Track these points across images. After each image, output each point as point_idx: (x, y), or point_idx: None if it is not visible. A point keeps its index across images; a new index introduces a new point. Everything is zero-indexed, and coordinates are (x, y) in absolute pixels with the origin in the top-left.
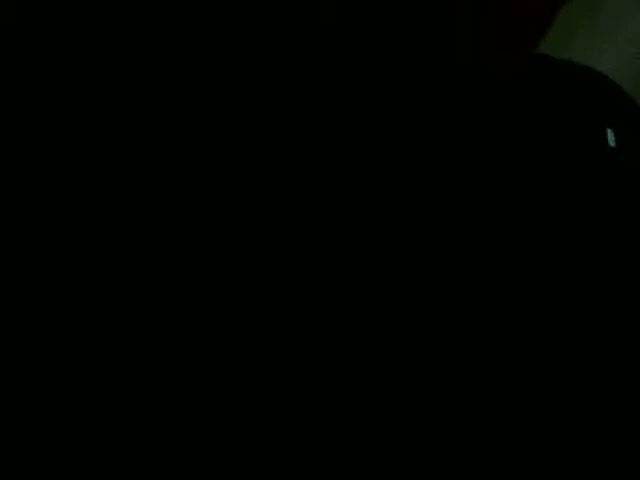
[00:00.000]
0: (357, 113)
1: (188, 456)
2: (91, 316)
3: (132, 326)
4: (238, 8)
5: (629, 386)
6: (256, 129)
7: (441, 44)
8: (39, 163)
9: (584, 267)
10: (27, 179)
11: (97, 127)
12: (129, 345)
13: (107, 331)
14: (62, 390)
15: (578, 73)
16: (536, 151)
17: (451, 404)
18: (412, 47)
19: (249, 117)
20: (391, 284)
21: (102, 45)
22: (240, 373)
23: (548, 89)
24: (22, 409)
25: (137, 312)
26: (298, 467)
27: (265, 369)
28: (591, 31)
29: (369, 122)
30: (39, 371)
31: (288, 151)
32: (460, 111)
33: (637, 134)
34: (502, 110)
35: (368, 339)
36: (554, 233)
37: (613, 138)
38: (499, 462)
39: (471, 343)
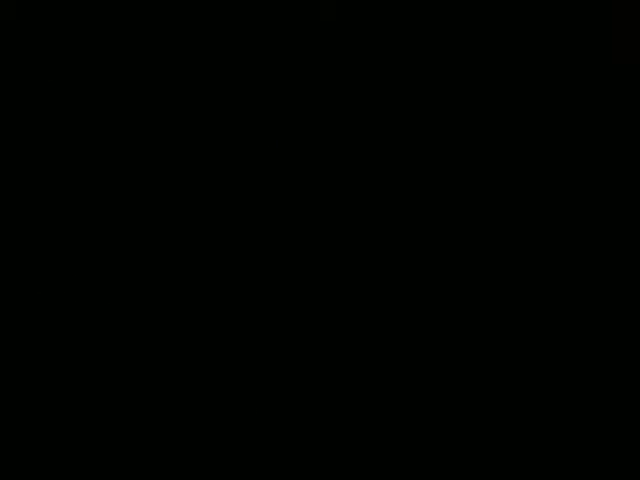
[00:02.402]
0: (357, 112)
1: (188, 455)
2: (91, 317)
3: (132, 327)
4: (238, 8)
5: (629, 385)
6: (255, 128)
7: (440, 44)
8: (39, 163)
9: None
10: (27, 178)
11: (96, 127)
12: (129, 346)
13: (107, 332)
14: (62, 389)
15: None
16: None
17: (450, 404)
18: (412, 47)
19: (249, 116)
20: (390, 284)
21: (102, 45)
22: (240, 373)
23: None
24: (22, 408)
25: (137, 312)
26: (298, 466)
27: (265, 369)
28: None
29: (369, 121)
30: (39, 371)
31: (287, 150)
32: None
33: None
34: (627, 102)
35: (367, 340)
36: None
37: None
38: (497, 460)
39: (470, 343)
